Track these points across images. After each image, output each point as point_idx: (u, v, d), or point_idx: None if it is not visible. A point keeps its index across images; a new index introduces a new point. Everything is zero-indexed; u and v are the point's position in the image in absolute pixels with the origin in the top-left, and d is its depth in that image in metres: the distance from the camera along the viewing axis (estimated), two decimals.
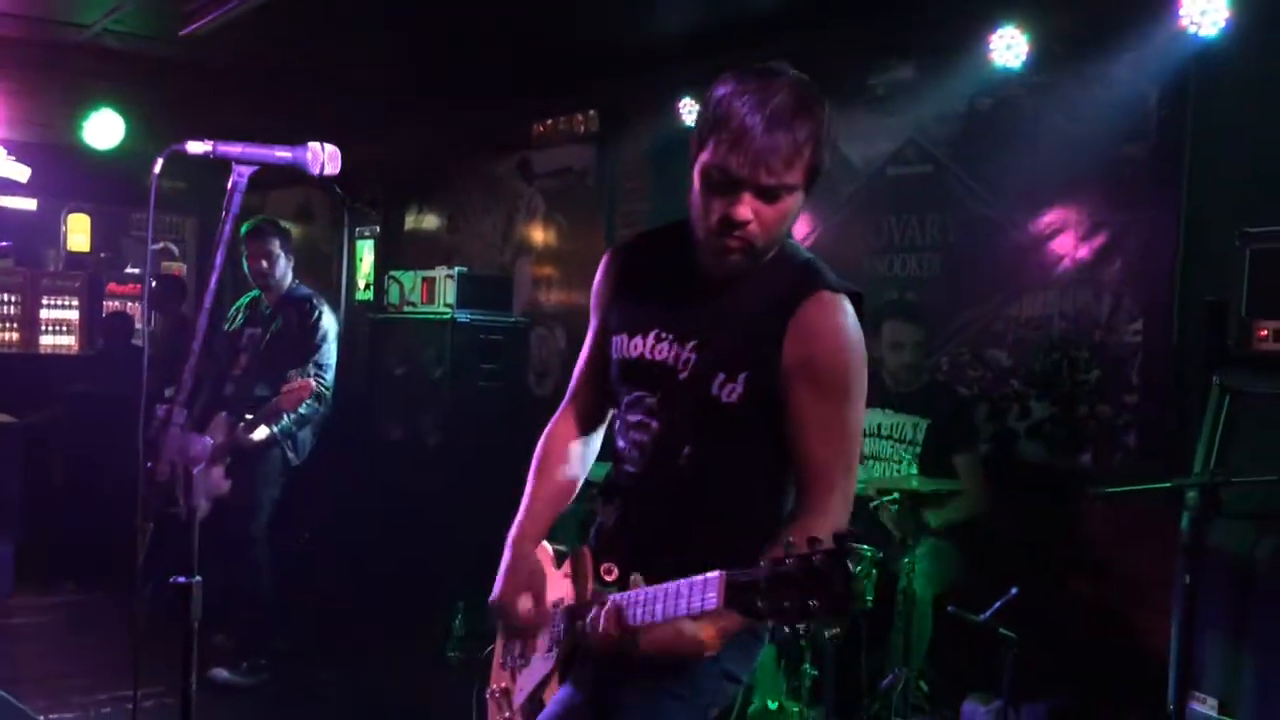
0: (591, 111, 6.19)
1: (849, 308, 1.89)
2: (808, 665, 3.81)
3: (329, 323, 4.69)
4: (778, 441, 1.90)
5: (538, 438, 2.21)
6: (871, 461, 4.15)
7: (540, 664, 2.03)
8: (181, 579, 1.78)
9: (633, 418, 2.00)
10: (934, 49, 4.49)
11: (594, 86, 6.18)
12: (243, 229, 4.70)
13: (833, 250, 5.03)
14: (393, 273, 5.54)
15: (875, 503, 3.91)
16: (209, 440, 1.91)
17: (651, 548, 1.87)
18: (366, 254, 8.82)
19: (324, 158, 1.90)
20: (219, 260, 1.83)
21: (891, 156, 4.82)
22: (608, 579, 1.90)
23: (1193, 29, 3.61)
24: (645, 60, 5.77)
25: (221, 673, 4.57)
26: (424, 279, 5.28)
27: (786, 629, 1.48)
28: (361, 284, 8.74)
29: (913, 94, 4.63)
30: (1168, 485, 2.62)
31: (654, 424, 1.97)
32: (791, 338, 1.85)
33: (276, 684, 4.68)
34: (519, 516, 2.11)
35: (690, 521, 1.93)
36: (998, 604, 2.96)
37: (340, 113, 6.54)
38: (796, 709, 3.80)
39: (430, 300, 5.22)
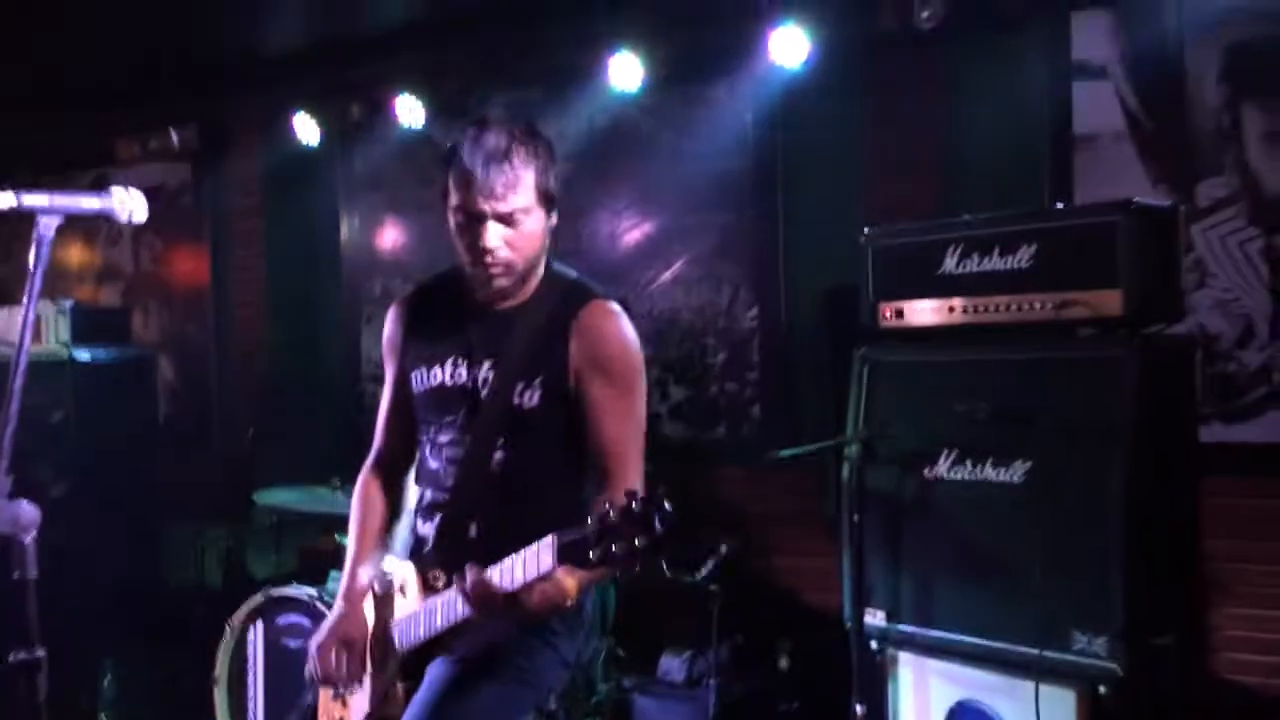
0: (189, 126, 5.90)
1: (622, 311, 2.20)
2: None
3: None
4: (572, 439, 2.16)
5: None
6: None
7: (376, 681, 2.15)
8: (23, 654, 1.68)
9: (443, 438, 2.19)
10: (555, 71, 4.87)
11: (190, 101, 5.90)
12: None
13: None
14: None
15: None
16: (35, 508, 1.78)
17: (472, 551, 2.02)
18: None
19: (130, 204, 1.85)
20: (30, 318, 1.74)
21: None
22: (437, 585, 2.09)
23: (780, 62, 4.29)
24: (251, 74, 5.62)
25: None
26: None
27: (619, 574, 1.75)
28: None
29: (536, 113, 4.97)
30: (833, 443, 3.18)
31: (464, 439, 2.16)
32: (576, 342, 2.13)
33: None
34: (346, 576, 2.28)
35: (506, 521, 2.10)
36: (711, 563, 3.41)
37: None
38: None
39: (37, 339, 4.72)
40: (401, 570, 2.17)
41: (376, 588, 2.22)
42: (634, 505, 1.68)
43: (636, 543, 1.66)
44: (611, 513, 1.69)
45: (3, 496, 1.69)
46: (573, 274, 2.26)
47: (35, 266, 1.74)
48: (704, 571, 3.41)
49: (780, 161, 4.54)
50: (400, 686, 2.11)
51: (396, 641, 2.13)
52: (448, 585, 2.06)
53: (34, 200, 1.75)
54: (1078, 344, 2.83)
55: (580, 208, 4.99)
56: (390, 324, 2.34)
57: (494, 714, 2.10)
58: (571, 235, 5.03)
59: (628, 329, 2.17)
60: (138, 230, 6.52)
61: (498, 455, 2.14)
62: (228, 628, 3.78)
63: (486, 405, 2.13)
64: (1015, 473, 2.86)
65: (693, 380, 4.76)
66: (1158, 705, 2.71)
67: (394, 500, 2.38)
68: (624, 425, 2.13)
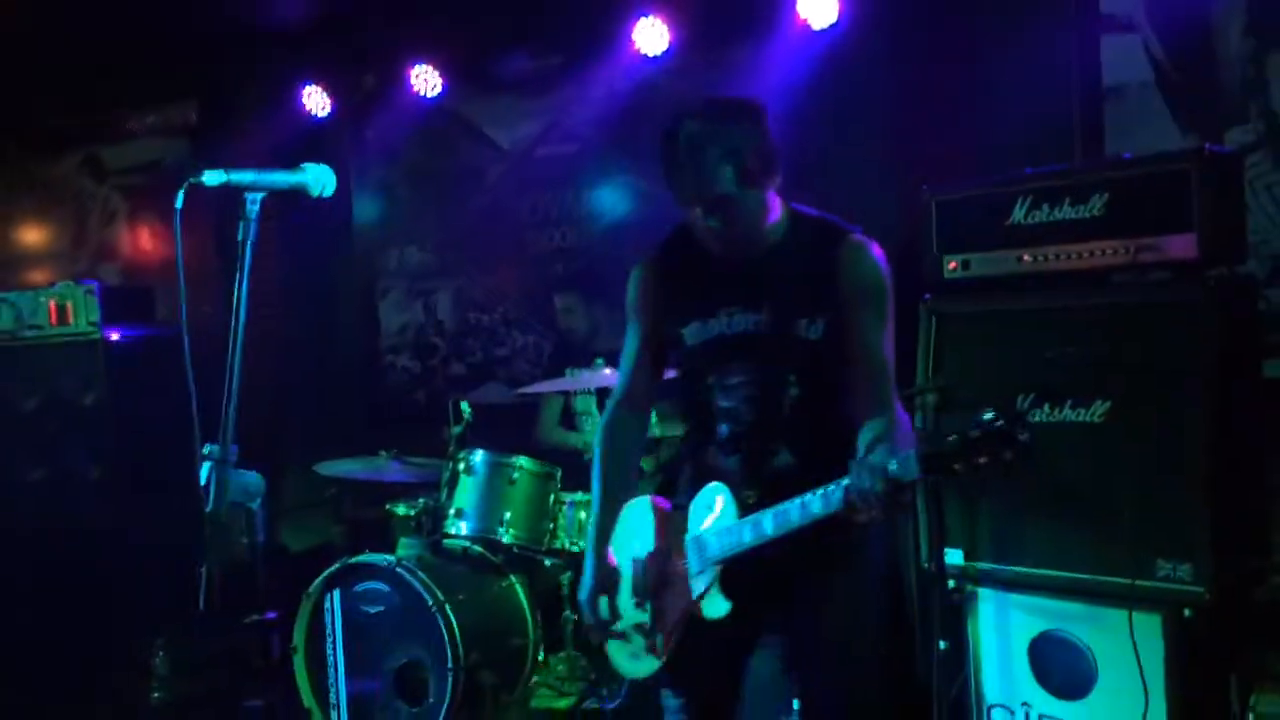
0: (189, 100, 5.81)
1: (873, 242, 2.37)
2: (567, 611, 4.14)
3: None
4: (847, 367, 2.33)
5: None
6: None
7: (693, 584, 2.29)
8: (259, 617, 1.73)
9: (733, 380, 2.35)
10: (576, 37, 4.89)
11: (188, 73, 5.78)
12: None
13: (488, 227, 5.32)
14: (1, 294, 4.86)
15: None
16: (261, 478, 1.82)
17: (782, 479, 2.23)
18: None
19: (323, 179, 1.89)
20: (244, 293, 1.77)
21: (538, 138, 5.17)
22: (749, 503, 2.24)
23: (810, 23, 4.36)
24: (255, 44, 5.52)
25: None
26: (49, 298, 4.71)
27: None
28: None
29: (557, 80, 5.00)
30: (908, 391, 3.29)
31: (757, 378, 2.34)
32: (842, 277, 2.31)
33: None
34: (597, 520, 2.47)
35: (810, 449, 2.31)
36: None
37: None
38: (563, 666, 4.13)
39: (62, 321, 4.67)
40: (714, 489, 2.30)
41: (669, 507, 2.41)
42: (996, 420, 1.84)
43: (1004, 456, 1.83)
44: (975, 429, 1.84)
45: (231, 466, 1.71)
46: (814, 211, 2.42)
47: (245, 241, 1.78)
48: None
49: (810, 125, 4.60)
50: (718, 588, 2.24)
51: (714, 549, 2.26)
52: (757, 504, 2.21)
53: (241, 177, 1.78)
54: (1153, 288, 2.96)
55: (601, 171, 5.04)
56: (639, 285, 2.50)
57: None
58: (592, 200, 5.09)
59: (882, 259, 2.34)
60: (133, 209, 6.42)
61: (792, 390, 2.31)
62: (304, 597, 3.82)
63: (773, 344, 2.30)
64: (1095, 412, 2.99)
65: None
66: (1240, 627, 2.88)
67: (639, 437, 2.58)
68: (890, 350, 2.32)
